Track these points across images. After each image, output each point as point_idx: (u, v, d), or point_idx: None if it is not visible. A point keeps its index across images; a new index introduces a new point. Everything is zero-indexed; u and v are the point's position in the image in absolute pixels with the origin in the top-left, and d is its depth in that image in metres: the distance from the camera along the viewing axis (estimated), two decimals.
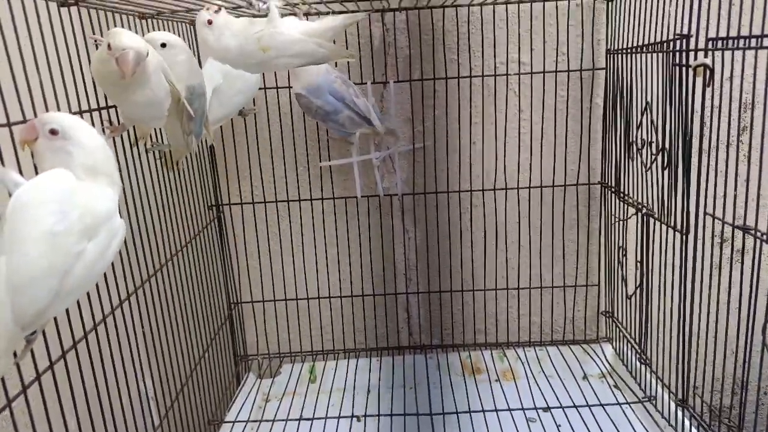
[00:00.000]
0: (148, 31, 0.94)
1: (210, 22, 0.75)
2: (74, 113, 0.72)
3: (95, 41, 0.78)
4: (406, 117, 1.21)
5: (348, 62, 1.17)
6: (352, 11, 1.07)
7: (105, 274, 0.67)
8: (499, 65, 1.18)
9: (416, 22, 1.16)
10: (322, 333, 1.32)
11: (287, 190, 1.24)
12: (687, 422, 0.95)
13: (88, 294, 0.70)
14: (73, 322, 0.68)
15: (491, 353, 1.29)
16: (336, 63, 1.15)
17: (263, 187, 1.24)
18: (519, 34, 1.16)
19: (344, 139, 1.17)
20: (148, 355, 0.89)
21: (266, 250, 1.27)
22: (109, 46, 0.63)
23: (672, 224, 0.93)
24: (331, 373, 1.26)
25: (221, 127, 1.13)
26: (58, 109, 0.69)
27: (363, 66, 1.18)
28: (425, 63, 1.18)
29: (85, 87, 0.76)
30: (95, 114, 0.78)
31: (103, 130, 0.79)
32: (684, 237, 0.89)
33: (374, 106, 1.13)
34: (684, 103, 0.86)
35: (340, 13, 1.07)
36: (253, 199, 1.25)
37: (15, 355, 0.57)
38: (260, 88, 1.13)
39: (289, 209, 1.25)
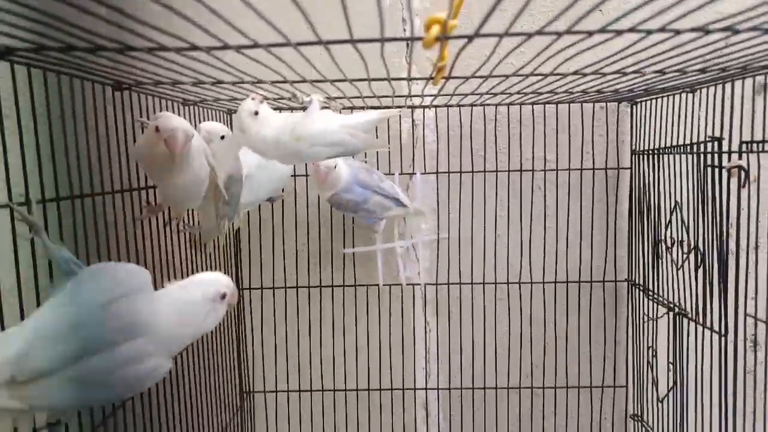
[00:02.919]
0: (187, 117, 0.97)
1: (257, 113, 0.77)
2: (115, 191, 0.73)
3: (142, 123, 0.80)
4: (431, 208, 1.21)
5: (377, 153, 1.19)
6: (386, 107, 1.10)
7: None
8: (525, 161, 1.20)
9: (444, 118, 1.20)
10: (336, 428, 1.26)
11: (309, 276, 1.23)
12: None
13: None
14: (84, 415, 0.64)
15: None
16: (365, 154, 1.17)
17: (285, 272, 1.23)
18: (545, 133, 1.19)
19: (369, 227, 1.18)
20: None
21: (283, 337, 1.24)
22: (157, 128, 0.65)
23: (709, 325, 0.91)
24: None
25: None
26: (102, 186, 0.69)
27: (391, 157, 1.20)
28: (452, 157, 1.20)
29: (128, 166, 0.77)
30: (135, 193, 0.79)
31: (141, 210, 0.80)
32: (722, 338, 0.87)
33: (401, 189, 1.14)
34: (718, 204, 0.86)
35: (374, 107, 1.10)
36: (273, 284, 1.23)
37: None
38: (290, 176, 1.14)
39: (309, 295, 1.24)
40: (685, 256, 1.00)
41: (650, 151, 1.11)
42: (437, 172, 1.21)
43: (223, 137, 0.83)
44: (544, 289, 1.22)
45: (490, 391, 1.25)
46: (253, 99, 0.77)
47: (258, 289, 1.23)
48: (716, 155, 0.86)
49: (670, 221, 1.06)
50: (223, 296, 0.59)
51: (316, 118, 0.84)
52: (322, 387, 1.25)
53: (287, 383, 1.24)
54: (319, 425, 1.25)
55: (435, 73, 0.69)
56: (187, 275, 0.93)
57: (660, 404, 1.10)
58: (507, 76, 0.73)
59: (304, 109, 0.89)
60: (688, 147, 0.97)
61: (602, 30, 0.51)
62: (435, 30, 0.48)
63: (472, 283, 1.23)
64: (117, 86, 0.72)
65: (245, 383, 1.23)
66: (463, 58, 0.59)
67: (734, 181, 0.83)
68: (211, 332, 1.05)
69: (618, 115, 1.19)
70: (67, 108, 0.64)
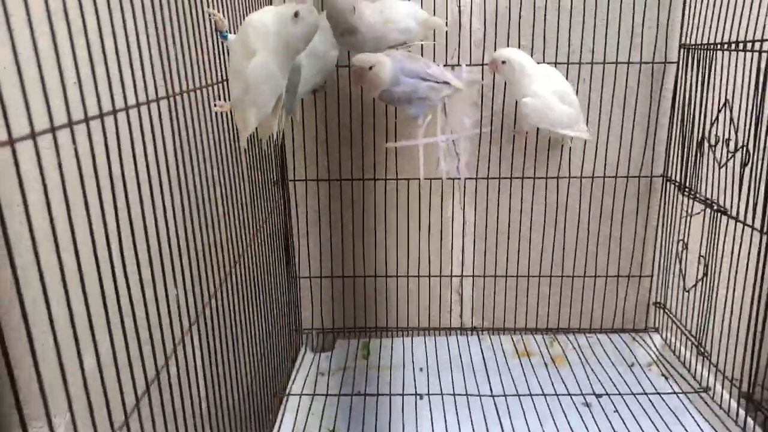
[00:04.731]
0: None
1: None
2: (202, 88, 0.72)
3: (211, 15, 0.78)
4: (474, 101, 1.21)
5: (421, 46, 1.17)
6: None
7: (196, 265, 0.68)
8: (572, 54, 1.18)
9: (493, 6, 1.16)
10: (377, 311, 1.34)
11: (352, 169, 1.25)
12: (747, 414, 0.98)
13: (197, 278, 0.71)
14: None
15: (543, 338, 1.31)
16: (409, 47, 1.15)
17: (328, 165, 1.25)
18: (595, 24, 1.16)
19: (413, 120, 1.18)
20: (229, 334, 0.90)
21: (327, 227, 1.28)
22: (296, 13, 0.70)
23: (750, 223, 0.95)
24: (386, 351, 1.28)
25: None
26: (155, 82, 0.68)
27: (436, 46, 1.18)
28: (498, 47, 1.18)
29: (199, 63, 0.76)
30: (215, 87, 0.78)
31: (214, 105, 0.80)
32: (764, 236, 0.91)
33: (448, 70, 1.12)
34: None
35: None
36: (317, 176, 1.25)
37: None
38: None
39: (352, 188, 1.26)
40: (730, 154, 1.02)
41: (702, 46, 1.09)
42: (482, 64, 1.19)
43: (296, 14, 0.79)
44: (581, 183, 1.25)
45: (522, 279, 1.32)
46: None
47: (302, 181, 1.25)
48: None
49: (716, 119, 1.07)
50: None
51: (394, 2, 0.82)
52: (364, 273, 1.31)
53: (331, 269, 1.31)
54: (361, 308, 1.33)
55: None
56: (235, 168, 0.94)
57: (686, 293, 1.18)
58: None
59: None
60: (749, 44, 0.96)
61: None
62: None
63: (511, 178, 1.25)
64: None
65: (292, 269, 1.29)
66: None
67: None
68: (261, 222, 1.09)
69: (670, 7, 1.16)
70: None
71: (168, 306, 0.62)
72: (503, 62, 1.07)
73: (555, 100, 1.07)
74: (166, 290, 0.61)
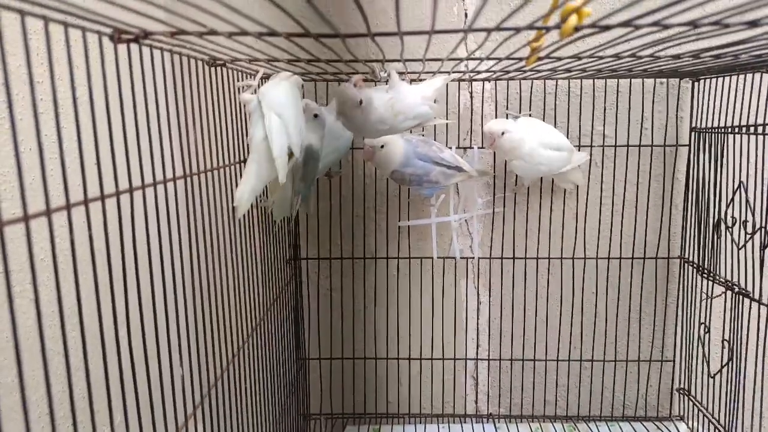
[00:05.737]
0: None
1: (361, 102, 0.77)
2: (215, 168, 0.74)
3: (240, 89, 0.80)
4: (486, 182, 1.22)
5: (434, 127, 1.19)
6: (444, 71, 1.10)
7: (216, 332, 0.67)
8: (583, 137, 1.20)
9: (503, 90, 1.19)
10: (388, 395, 1.29)
11: (364, 247, 1.25)
12: None
13: (211, 352, 0.69)
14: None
15: (562, 425, 1.25)
16: (423, 127, 1.17)
17: (341, 243, 1.25)
18: (605, 108, 1.18)
19: (425, 200, 1.18)
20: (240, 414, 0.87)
21: (339, 306, 1.26)
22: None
23: None
24: None
25: None
26: (192, 163, 0.70)
27: (448, 130, 1.20)
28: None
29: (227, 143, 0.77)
30: (238, 166, 0.80)
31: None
32: None
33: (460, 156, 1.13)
34: None
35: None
36: (330, 254, 1.25)
37: None
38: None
39: (364, 267, 1.25)
40: (748, 236, 1.01)
41: (713, 129, 1.10)
42: None
43: (316, 116, 0.83)
44: (597, 264, 1.23)
45: (539, 363, 1.27)
46: (355, 85, 0.76)
47: (315, 259, 1.25)
48: None
49: (732, 200, 1.06)
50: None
51: (406, 91, 0.84)
52: (375, 355, 1.28)
53: (342, 351, 1.27)
54: (371, 392, 1.29)
55: (529, 54, 0.69)
56: (249, 244, 0.94)
57: (711, 379, 1.13)
58: (601, 57, 0.73)
59: (382, 82, 0.90)
60: (759, 128, 0.97)
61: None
62: (573, 20, 0.48)
63: (525, 258, 1.24)
64: (211, 63, 0.72)
65: (302, 350, 1.26)
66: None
67: None
68: (271, 302, 1.08)
69: (679, 92, 1.18)
70: (181, 86, 0.65)
71: (173, 387, 0.60)
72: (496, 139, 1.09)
73: (544, 152, 1.07)
74: (171, 370, 0.59)
